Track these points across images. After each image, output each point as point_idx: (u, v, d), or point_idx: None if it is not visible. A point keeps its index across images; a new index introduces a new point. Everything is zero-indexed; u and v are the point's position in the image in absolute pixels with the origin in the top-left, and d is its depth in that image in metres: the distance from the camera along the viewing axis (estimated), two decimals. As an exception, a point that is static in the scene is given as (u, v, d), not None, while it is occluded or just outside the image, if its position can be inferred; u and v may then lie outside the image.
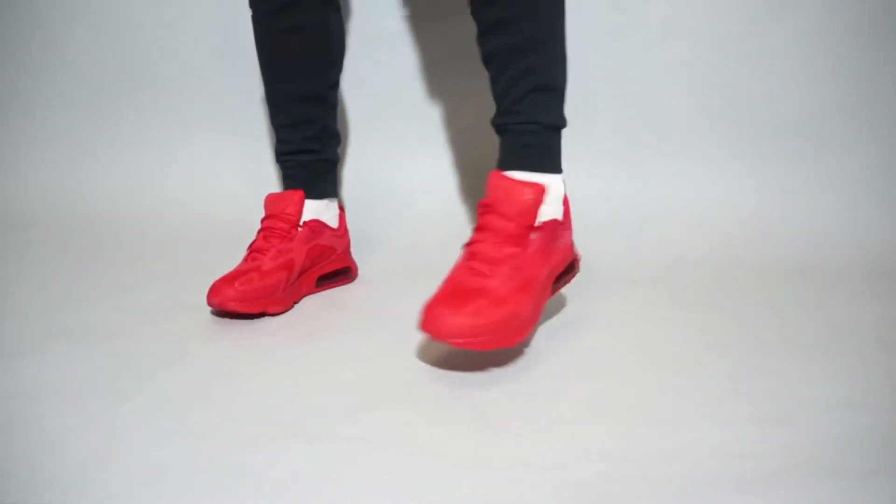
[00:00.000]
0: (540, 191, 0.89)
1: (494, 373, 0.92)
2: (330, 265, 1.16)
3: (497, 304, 0.86)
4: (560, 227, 0.93)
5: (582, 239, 1.33)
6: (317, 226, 1.13)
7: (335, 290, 1.16)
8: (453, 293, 0.87)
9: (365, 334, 1.01)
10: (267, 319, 1.04)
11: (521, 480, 0.72)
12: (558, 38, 0.94)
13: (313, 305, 1.08)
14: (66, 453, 0.73)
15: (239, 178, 1.45)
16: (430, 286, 1.12)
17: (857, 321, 1.09)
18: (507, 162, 0.93)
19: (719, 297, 1.16)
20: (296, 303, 1.10)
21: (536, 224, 0.89)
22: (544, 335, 1.02)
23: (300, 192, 1.12)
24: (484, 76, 0.99)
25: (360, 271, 1.24)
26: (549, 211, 0.91)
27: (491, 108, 1.02)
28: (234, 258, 1.25)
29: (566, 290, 1.16)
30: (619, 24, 1.36)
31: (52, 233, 1.33)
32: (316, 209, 1.14)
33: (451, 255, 1.30)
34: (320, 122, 1.15)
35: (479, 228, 0.91)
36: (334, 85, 1.17)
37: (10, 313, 1.03)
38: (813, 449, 0.78)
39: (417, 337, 1.00)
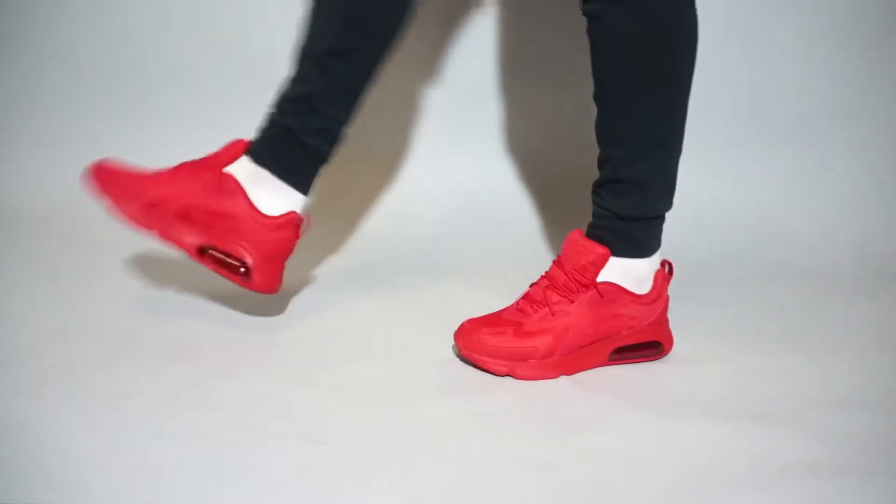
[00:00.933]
0: (602, 255, 0.91)
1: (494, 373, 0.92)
2: None
3: (520, 336, 0.90)
4: (627, 297, 0.92)
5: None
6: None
7: (332, 294, 1.15)
8: (491, 319, 0.94)
9: (365, 335, 1.01)
10: (267, 320, 1.04)
11: (521, 480, 0.72)
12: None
13: (314, 306, 1.08)
14: (66, 453, 0.73)
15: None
16: (429, 287, 1.13)
17: (857, 321, 1.09)
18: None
19: (719, 297, 1.16)
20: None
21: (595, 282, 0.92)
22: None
23: None
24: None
25: (361, 272, 1.23)
26: (612, 276, 0.92)
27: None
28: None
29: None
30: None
31: (52, 232, 1.33)
32: None
33: (451, 256, 1.30)
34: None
35: (542, 277, 0.96)
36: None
37: (10, 313, 1.03)
38: (813, 449, 0.78)
39: (418, 338, 1.00)
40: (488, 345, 0.90)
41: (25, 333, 0.97)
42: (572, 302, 0.91)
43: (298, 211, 0.97)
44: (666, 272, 0.96)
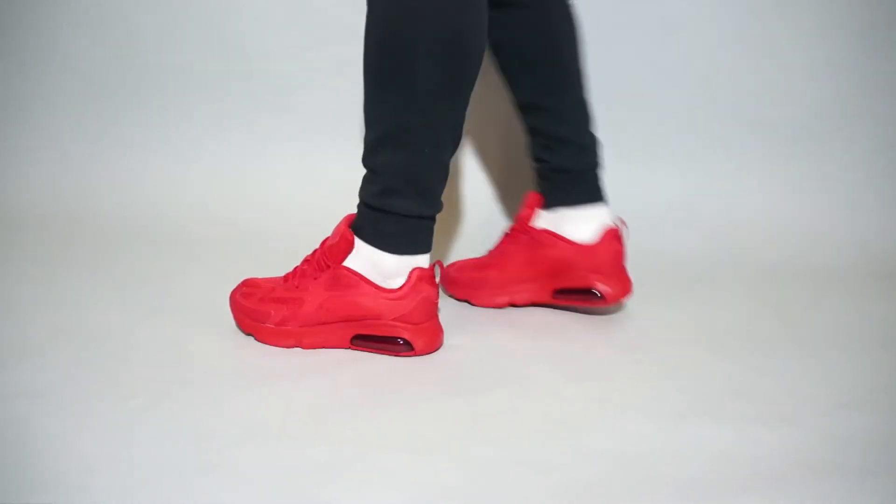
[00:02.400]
0: (348, 241, 0.94)
1: (494, 373, 0.92)
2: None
3: (265, 301, 0.97)
4: (368, 286, 0.94)
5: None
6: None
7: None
8: (262, 280, 1.01)
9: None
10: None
11: (521, 480, 0.72)
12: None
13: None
14: (66, 453, 0.73)
15: (240, 177, 1.45)
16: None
17: (857, 321, 1.09)
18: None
19: (719, 297, 1.16)
20: None
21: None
22: (544, 335, 1.02)
23: None
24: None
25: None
26: (358, 264, 0.94)
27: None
28: (234, 258, 1.25)
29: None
30: (619, 24, 1.36)
31: (52, 232, 1.33)
32: None
33: (446, 257, 1.30)
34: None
35: (314, 251, 0.99)
36: None
37: (10, 313, 1.03)
38: (813, 449, 0.78)
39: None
40: (236, 301, 0.98)
41: (25, 333, 0.97)
42: (315, 279, 0.95)
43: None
44: (430, 275, 0.94)
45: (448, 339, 0.98)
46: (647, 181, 1.40)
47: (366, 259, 0.94)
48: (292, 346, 0.95)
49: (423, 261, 0.96)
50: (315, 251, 0.97)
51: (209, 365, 0.91)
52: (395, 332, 0.94)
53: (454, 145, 0.94)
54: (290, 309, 0.95)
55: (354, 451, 0.75)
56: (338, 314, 0.94)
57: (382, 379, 0.90)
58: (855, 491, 0.71)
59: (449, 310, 1.08)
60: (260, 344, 0.96)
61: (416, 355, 0.94)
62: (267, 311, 0.95)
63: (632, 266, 1.09)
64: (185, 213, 1.40)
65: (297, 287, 0.96)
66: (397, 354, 0.94)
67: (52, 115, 1.49)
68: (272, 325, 0.95)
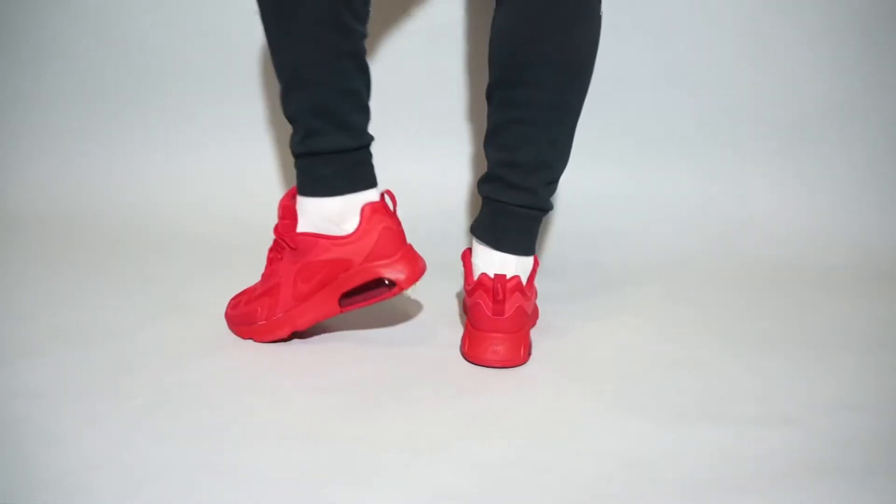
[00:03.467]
0: (284, 207, 0.94)
1: (494, 373, 0.92)
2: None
3: (251, 301, 0.97)
4: (325, 241, 0.92)
5: (583, 238, 1.33)
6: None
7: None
8: (251, 288, 1.01)
9: (364, 335, 1.01)
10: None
11: (521, 480, 0.72)
12: None
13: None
14: (66, 453, 0.73)
15: (241, 177, 1.45)
16: (427, 286, 1.13)
17: (857, 321, 1.09)
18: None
19: (720, 297, 1.16)
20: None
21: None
22: (544, 335, 1.02)
23: None
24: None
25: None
26: (309, 222, 0.93)
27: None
28: (234, 258, 1.24)
29: (566, 289, 1.16)
30: (619, 24, 1.36)
31: (53, 232, 1.33)
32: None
33: (444, 256, 1.30)
34: None
35: None
36: None
37: (10, 313, 1.03)
38: (813, 449, 0.78)
39: (417, 338, 1.00)
40: (228, 315, 0.99)
41: (25, 333, 0.97)
42: (281, 259, 0.95)
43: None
44: (382, 205, 0.92)
45: (448, 339, 0.98)
46: (647, 181, 1.40)
47: (313, 214, 0.92)
48: (290, 333, 0.95)
49: (372, 196, 0.93)
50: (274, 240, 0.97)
51: (209, 365, 0.91)
52: (371, 275, 0.91)
53: (363, 77, 0.92)
54: (272, 298, 0.94)
55: (354, 451, 0.75)
56: (313, 282, 0.92)
57: (382, 379, 0.89)
58: (855, 491, 0.71)
59: (449, 309, 1.08)
60: (259, 344, 0.96)
61: (404, 289, 0.91)
62: (254, 310, 0.96)
63: (632, 266, 1.09)
64: (185, 213, 1.40)
65: (270, 276, 0.96)
66: (388, 296, 0.92)
67: (52, 115, 1.49)
68: (264, 322, 0.95)
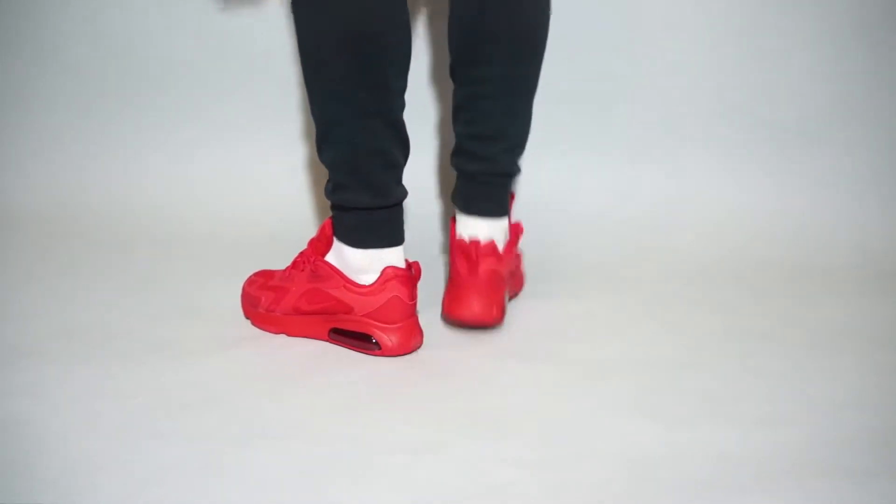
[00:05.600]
0: (328, 237, 0.99)
1: (494, 373, 0.92)
2: None
3: (263, 287, 1.02)
4: (340, 280, 0.96)
5: (583, 238, 1.33)
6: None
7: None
8: (273, 272, 1.05)
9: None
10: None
11: (521, 480, 0.72)
12: None
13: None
14: (66, 453, 0.73)
15: (241, 177, 1.45)
16: (428, 287, 1.13)
17: (857, 321, 1.09)
18: None
19: (720, 297, 1.16)
20: None
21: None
22: (545, 335, 1.02)
23: None
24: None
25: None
26: (334, 258, 0.98)
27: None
28: (235, 258, 1.24)
29: (567, 289, 1.16)
30: (619, 24, 1.36)
31: (53, 233, 1.33)
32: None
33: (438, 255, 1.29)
34: None
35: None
36: None
37: (10, 313, 1.03)
38: (813, 449, 0.78)
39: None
40: (244, 288, 1.04)
41: (25, 333, 0.97)
42: (302, 271, 0.99)
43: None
44: (403, 274, 0.94)
45: (448, 338, 0.98)
46: (646, 181, 1.40)
47: (338, 254, 0.96)
48: (279, 333, 0.99)
49: (394, 256, 0.95)
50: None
51: (210, 365, 0.91)
52: (366, 329, 0.94)
53: (392, 134, 0.93)
54: (277, 296, 0.99)
55: (354, 451, 0.75)
56: (316, 306, 0.97)
57: (382, 379, 0.90)
58: (855, 491, 0.71)
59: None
60: (259, 344, 0.96)
61: (385, 356, 0.94)
62: (259, 297, 1.00)
63: (632, 266, 1.09)
64: (185, 213, 1.40)
65: (287, 277, 1.00)
66: (369, 353, 0.95)
67: (52, 115, 1.49)
68: (262, 311, 1.00)
